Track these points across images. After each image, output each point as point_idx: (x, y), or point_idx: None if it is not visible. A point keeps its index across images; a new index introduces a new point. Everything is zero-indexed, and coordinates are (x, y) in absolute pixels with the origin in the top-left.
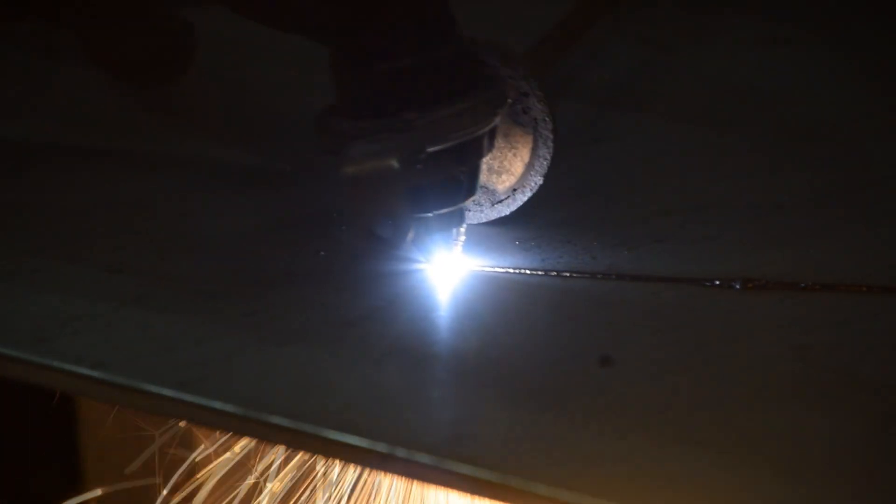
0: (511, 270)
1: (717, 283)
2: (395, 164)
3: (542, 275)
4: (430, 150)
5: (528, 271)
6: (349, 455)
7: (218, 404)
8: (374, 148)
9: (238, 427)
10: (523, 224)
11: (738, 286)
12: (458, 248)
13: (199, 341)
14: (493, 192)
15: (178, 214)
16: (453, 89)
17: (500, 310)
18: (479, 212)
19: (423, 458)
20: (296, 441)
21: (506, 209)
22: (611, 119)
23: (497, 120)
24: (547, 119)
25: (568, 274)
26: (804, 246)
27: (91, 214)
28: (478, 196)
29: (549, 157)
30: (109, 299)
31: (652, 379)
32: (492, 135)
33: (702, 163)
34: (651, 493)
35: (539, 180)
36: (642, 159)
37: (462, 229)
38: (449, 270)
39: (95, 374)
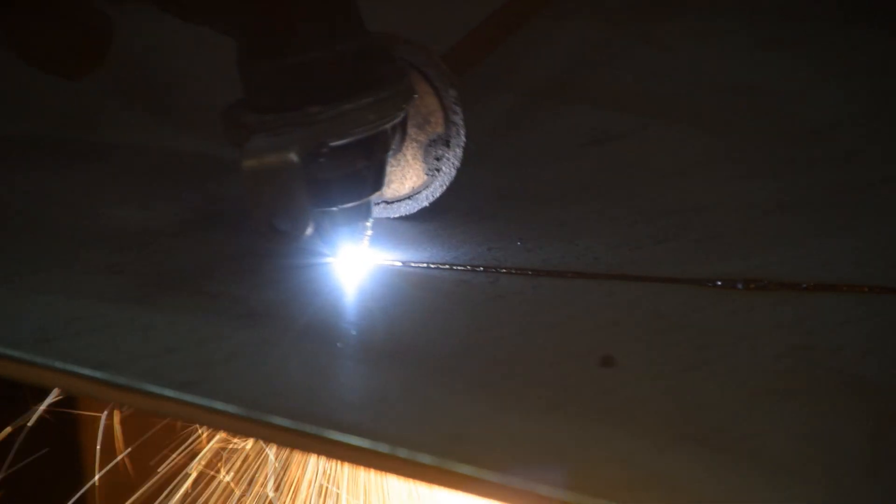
0: (514, 271)
1: (719, 283)
2: (294, 157)
3: (543, 275)
4: (333, 144)
5: (530, 272)
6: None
7: (220, 405)
8: (275, 141)
9: (239, 427)
10: (527, 224)
11: (739, 286)
12: (365, 242)
13: (201, 342)
14: (439, 137)
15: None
16: (358, 84)
17: (493, 310)
18: (449, 162)
19: (424, 458)
20: (297, 442)
21: (462, 139)
22: (611, 120)
23: (402, 115)
24: (413, 49)
25: (570, 274)
26: (806, 246)
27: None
28: (436, 151)
29: (443, 71)
30: (110, 300)
31: (653, 379)
32: (402, 128)
33: (703, 163)
34: (651, 494)
35: (454, 92)
36: (643, 160)
37: (369, 223)
38: (358, 264)
39: (98, 374)
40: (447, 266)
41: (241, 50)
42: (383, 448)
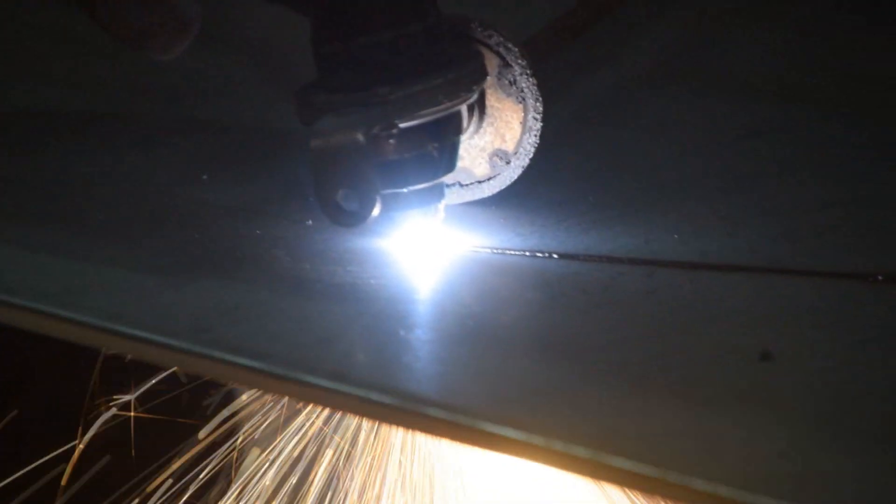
0: (671, 264)
1: (881, 278)
2: (361, 137)
3: (701, 268)
4: (403, 125)
5: (687, 265)
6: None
7: (375, 395)
8: (342, 122)
9: (398, 420)
10: (684, 216)
11: None
12: (437, 224)
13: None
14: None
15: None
16: (429, 64)
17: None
18: (528, 79)
19: (579, 451)
20: (453, 433)
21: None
22: (764, 112)
23: (474, 96)
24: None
25: (728, 267)
26: None
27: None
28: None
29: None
30: (267, 289)
31: (813, 375)
32: (474, 109)
33: (861, 154)
34: (812, 492)
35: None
36: (800, 152)
37: (441, 206)
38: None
39: (255, 364)
40: (604, 259)
41: (314, 30)
42: (538, 441)
